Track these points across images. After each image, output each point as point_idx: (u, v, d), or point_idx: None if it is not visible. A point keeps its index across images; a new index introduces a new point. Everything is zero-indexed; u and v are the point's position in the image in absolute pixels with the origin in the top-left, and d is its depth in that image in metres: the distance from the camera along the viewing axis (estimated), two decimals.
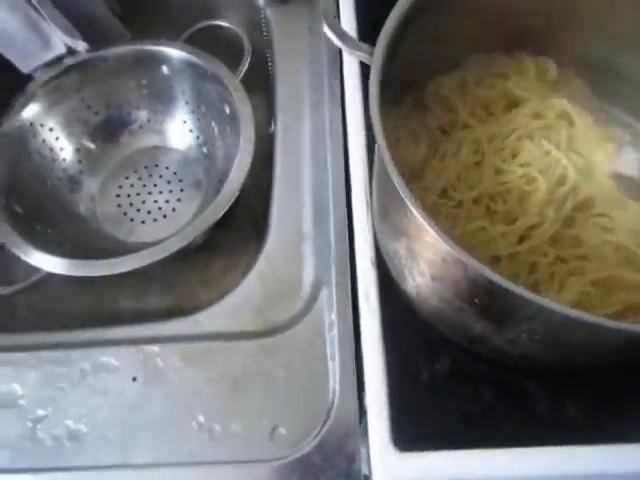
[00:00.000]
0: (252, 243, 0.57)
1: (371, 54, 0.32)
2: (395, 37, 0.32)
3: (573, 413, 0.39)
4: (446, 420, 0.39)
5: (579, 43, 0.44)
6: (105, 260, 0.45)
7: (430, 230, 0.28)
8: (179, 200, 0.57)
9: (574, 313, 0.25)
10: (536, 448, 0.36)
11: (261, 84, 0.57)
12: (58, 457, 0.37)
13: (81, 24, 0.54)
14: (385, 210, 0.37)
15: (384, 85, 0.32)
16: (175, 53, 0.54)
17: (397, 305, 0.41)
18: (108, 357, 0.40)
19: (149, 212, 0.56)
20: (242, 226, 0.59)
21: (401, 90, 0.41)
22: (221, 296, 0.44)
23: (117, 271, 0.45)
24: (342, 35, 0.34)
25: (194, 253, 0.55)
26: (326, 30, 0.34)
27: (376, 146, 0.30)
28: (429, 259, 0.32)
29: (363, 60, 0.33)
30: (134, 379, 0.39)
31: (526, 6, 0.42)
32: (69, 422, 0.38)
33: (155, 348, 0.40)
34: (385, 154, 0.29)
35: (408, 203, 0.28)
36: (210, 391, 0.39)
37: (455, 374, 0.40)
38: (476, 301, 0.31)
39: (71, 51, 0.53)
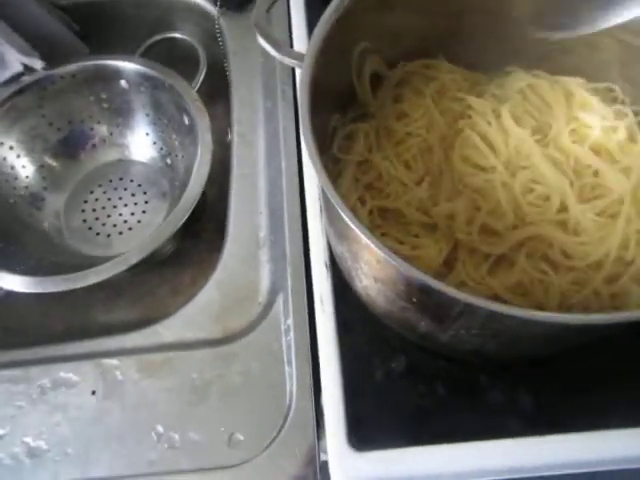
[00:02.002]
0: (220, 252, 0.57)
1: (302, 60, 0.32)
2: (325, 44, 0.33)
3: (527, 405, 0.39)
4: (402, 418, 0.39)
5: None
6: (65, 275, 0.46)
7: (356, 231, 0.28)
8: (144, 212, 0.57)
9: (495, 306, 0.26)
10: (490, 441, 0.37)
11: (220, 93, 0.57)
12: (18, 475, 0.37)
13: (38, 42, 0.54)
14: (329, 214, 0.38)
15: (316, 91, 0.32)
16: (132, 67, 0.54)
17: (352, 307, 0.41)
18: (67, 372, 0.41)
19: (115, 225, 0.56)
20: (210, 235, 0.59)
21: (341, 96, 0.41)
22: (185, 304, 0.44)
23: (78, 286, 0.45)
24: (275, 43, 0.34)
25: (164, 264, 0.56)
26: (259, 39, 0.34)
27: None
28: (367, 260, 0.33)
29: (295, 67, 0.33)
30: (93, 393, 0.40)
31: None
32: (28, 439, 0.38)
33: (114, 361, 0.41)
34: (313, 157, 0.30)
35: (334, 203, 0.29)
36: (169, 401, 0.39)
37: (411, 372, 0.40)
38: (414, 300, 0.32)
39: (28, 69, 0.53)
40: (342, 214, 0.29)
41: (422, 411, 0.39)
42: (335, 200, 0.29)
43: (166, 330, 0.43)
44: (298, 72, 0.48)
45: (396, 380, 0.40)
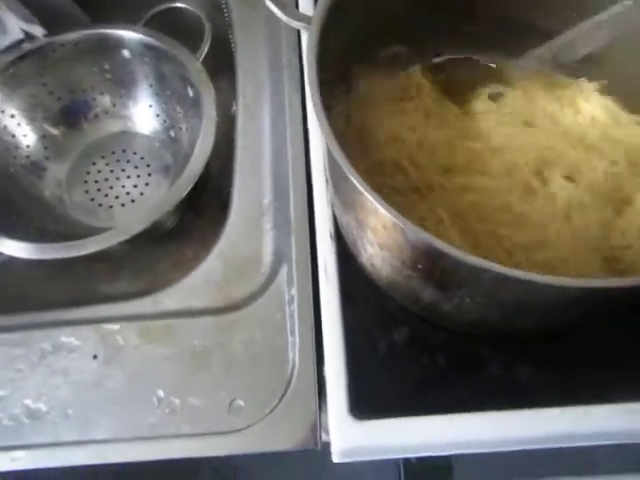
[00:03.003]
0: (223, 226, 0.57)
1: (309, 23, 0.32)
2: (334, 4, 0.32)
3: (526, 378, 0.39)
4: (403, 388, 0.39)
5: None
6: (65, 243, 0.45)
7: (364, 193, 0.28)
8: (147, 185, 0.57)
9: (501, 269, 0.26)
10: (490, 412, 0.37)
11: (225, 65, 0.56)
12: (17, 435, 0.37)
13: (39, 9, 0.53)
14: (335, 182, 0.37)
15: (324, 56, 0.32)
16: (135, 37, 0.54)
17: (356, 277, 0.41)
18: (68, 337, 0.40)
19: (117, 197, 0.56)
20: (213, 209, 0.59)
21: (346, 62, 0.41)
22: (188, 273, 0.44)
23: (77, 254, 0.45)
24: (282, 5, 0.34)
25: (167, 238, 0.55)
26: (267, 1, 0.34)
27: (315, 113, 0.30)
28: (373, 227, 0.32)
29: (302, 29, 0.33)
30: (94, 357, 0.40)
31: None
32: (28, 401, 0.38)
33: (115, 326, 0.41)
34: (321, 119, 0.30)
35: (342, 167, 0.28)
36: (169, 367, 0.39)
37: (412, 344, 0.40)
38: (419, 267, 0.32)
39: (29, 36, 0.53)
40: (349, 176, 0.28)
41: (423, 382, 0.39)
42: (342, 162, 0.29)
43: (168, 298, 0.42)
44: (304, 40, 0.48)
45: (398, 351, 0.40)
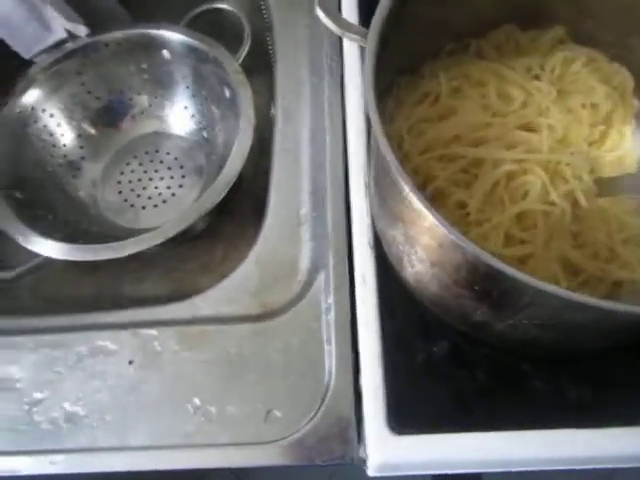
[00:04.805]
0: (254, 229, 0.57)
1: (365, 36, 0.31)
2: (389, 20, 0.32)
3: (572, 396, 0.38)
4: (442, 403, 0.38)
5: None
6: (104, 244, 0.45)
7: (427, 214, 0.27)
8: (180, 186, 0.57)
9: (575, 296, 0.25)
10: (532, 431, 0.36)
11: (263, 67, 0.56)
12: (55, 439, 0.37)
13: (82, 8, 0.53)
14: (382, 196, 0.36)
15: (379, 69, 0.31)
16: (175, 37, 0.54)
17: (394, 288, 0.40)
18: (105, 341, 0.40)
19: (150, 198, 0.56)
20: (244, 212, 0.59)
21: (397, 72, 0.40)
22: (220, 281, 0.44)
23: (116, 256, 0.45)
24: (335, 18, 0.33)
25: (196, 239, 0.55)
26: (319, 13, 0.33)
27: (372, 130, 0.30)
28: (427, 245, 0.32)
29: (358, 43, 0.32)
30: (130, 362, 0.39)
31: None
32: (66, 405, 0.38)
33: (152, 332, 0.40)
34: (380, 138, 0.29)
35: (404, 186, 0.27)
36: (206, 374, 0.39)
37: (452, 357, 0.39)
38: (476, 288, 0.31)
39: (72, 36, 0.53)
40: (407, 192, 0.27)
41: (461, 397, 0.39)
42: (403, 179, 0.28)
43: (203, 303, 0.42)
44: (346, 45, 0.48)
45: (437, 365, 0.39)
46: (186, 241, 0.55)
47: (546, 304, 0.27)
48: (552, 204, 0.37)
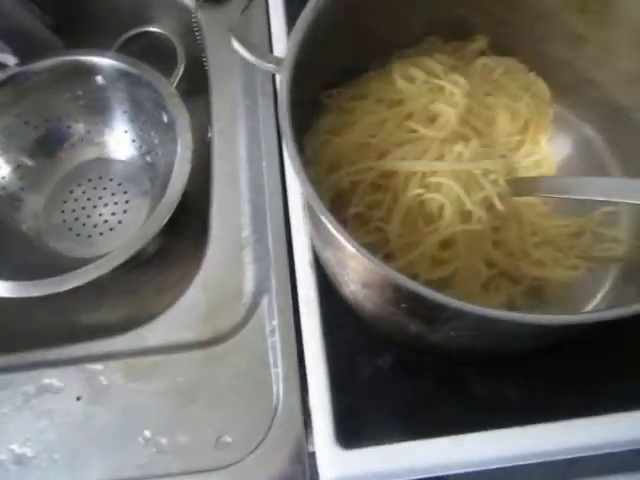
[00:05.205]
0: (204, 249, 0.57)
1: (280, 64, 0.32)
2: (304, 47, 0.32)
3: (511, 397, 0.40)
4: (390, 414, 0.39)
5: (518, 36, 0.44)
6: (49, 279, 0.45)
7: (345, 243, 0.28)
8: (125, 212, 0.56)
9: (485, 311, 0.26)
10: (476, 433, 0.38)
11: (199, 88, 0.56)
12: None
13: (9, 36, 0.53)
14: (314, 221, 0.37)
15: (297, 95, 0.32)
16: (108, 62, 0.53)
17: (337, 306, 0.41)
18: (51, 378, 0.40)
19: (95, 226, 0.56)
20: (194, 232, 0.59)
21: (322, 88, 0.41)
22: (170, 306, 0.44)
23: (60, 289, 0.45)
24: (250, 47, 0.34)
25: (149, 263, 0.55)
26: (233, 42, 0.34)
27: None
28: (354, 268, 0.33)
29: (274, 72, 0.33)
30: (78, 399, 0.39)
31: None
32: (14, 447, 0.38)
33: (99, 366, 0.41)
34: (296, 166, 0.30)
35: (320, 216, 0.28)
36: (155, 405, 0.39)
37: (397, 369, 0.40)
38: (403, 305, 0.32)
39: (1, 65, 0.52)
40: (326, 224, 0.28)
41: (409, 406, 0.40)
42: (319, 209, 0.29)
43: (151, 333, 0.42)
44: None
45: (382, 377, 0.40)
46: (139, 265, 0.55)
47: (466, 318, 0.29)
48: (469, 213, 0.37)
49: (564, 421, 0.38)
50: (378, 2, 0.38)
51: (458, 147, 0.37)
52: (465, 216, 0.37)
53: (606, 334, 0.35)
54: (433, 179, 0.37)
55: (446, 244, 0.37)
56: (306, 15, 0.32)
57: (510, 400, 0.40)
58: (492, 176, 0.37)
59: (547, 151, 0.43)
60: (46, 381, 0.40)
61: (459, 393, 0.40)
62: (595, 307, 0.41)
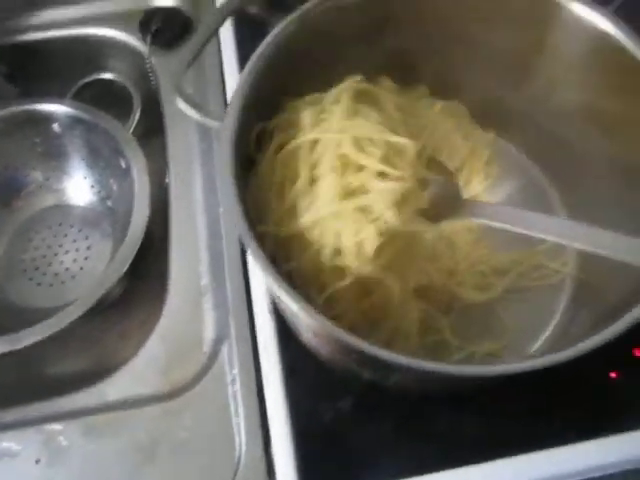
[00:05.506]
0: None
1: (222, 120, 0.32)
2: (248, 101, 0.33)
3: (472, 431, 0.40)
4: (353, 459, 0.39)
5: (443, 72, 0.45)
6: (7, 336, 0.45)
7: (288, 301, 0.29)
8: (87, 258, 0.56)
9: (427, 365, 0.27)
10: (440, 472, 0.38)
11: (157, 132, 0.56)
12: None
13: None
14: None
15: (241, 148, 0.33)
16: (63, 110, 0.53)
17: (297, 351, 0.41)
18: (9, 442, 0.39)
19: (57, 274, 0.55)
20: (156, 275, 0.58)
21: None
22: (134, 355, 0.44)
23: (19, 346, 0.44)
24: (194, 104, 0.34)
25: (113, 308, 0.54)
26: (177, 100, 0.34)
27: None
28: (303, 319, 0.33)
29: (216, 127, 0.33)
30: (37, 462, 0.39)
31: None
32: None
33: (58, 426, 0.40)
34: (240, 226, 0.30)
35: (264, 274, 0.29)
36: (115, 463, 0.39)
37: (358, 411, 0.40)
38: (353, 356, 0.32)
39: None
40: (266, 278, 0.29)
41: (372, 449, 0.40)
42: (261, 266, 0.29)
43: (111, 388, 0.42)
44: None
45: (344, 420, 0.40)
46: (103, 311, 0.54)
47: (408, 371, 0.29)
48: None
49: (523, 455, 0.38)
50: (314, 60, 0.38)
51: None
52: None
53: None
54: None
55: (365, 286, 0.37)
56: (246, 77, 0.33)
57: (470, 435, 0.40)
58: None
59: (478, 191, 0.44)
60: (4, 445, 0.39)
61: (420, 431, 0.40)
62: (549, 335, 0.42)
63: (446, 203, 0.38)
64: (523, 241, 0.41)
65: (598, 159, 0.41)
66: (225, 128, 0.32)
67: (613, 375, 0.41)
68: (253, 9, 0.37)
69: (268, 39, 0.34)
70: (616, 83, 0.37)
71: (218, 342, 0.43)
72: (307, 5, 0.35)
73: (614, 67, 0.36)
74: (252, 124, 0.35)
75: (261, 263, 0.29)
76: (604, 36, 0.35)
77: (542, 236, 0.34)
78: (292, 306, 0.28)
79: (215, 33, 0.38)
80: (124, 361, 0.43)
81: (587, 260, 0.43)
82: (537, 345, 0.41)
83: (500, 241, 0.43)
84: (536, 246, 0.43)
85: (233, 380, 0.41)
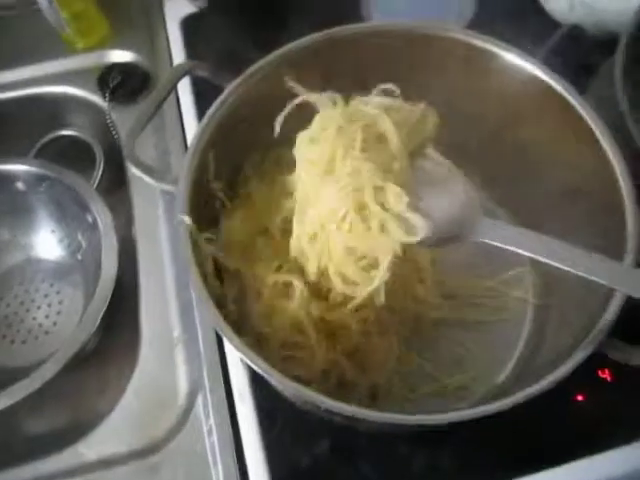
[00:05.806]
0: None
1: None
2: (200, 167, 0.34)
3: (447, 463, 0.41)
4: None
5: None
6: None
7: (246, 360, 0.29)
8: (59, 313, 0.56)
9: (363, 414, 0.29)
10: None
11: (121, 184, 0.56)
12: None
13: None
14: None
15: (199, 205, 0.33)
16: (26, 169, 0.53)
17: (272, 398, 0.42)
18: None
19: (29, 331, 0.55)
20: (129, 325, 0.58)
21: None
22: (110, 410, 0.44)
23: None
24: (147, 169, 0.35)
25: (88, 361, 0.54)
26: (129, 166, 0.35)
27: None
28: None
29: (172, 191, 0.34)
30: None
31: None
32: None
33: None
34: (197, 286, 0.31)
35: (224, 337, 0.29)
36: None
37: (334, 454, 0.41)
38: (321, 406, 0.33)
39: None
40: (230, 344, 0.29)
41: None
42: (225, 334, 0.30)
43: (88, 448, 0.42)
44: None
45: (321, 465, 0.41)
46: (78, 365, 0.54)
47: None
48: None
49: None
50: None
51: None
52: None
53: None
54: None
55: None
56: (199, 139, 0.34)
57: (446, 468, 0.41)
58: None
59: None
60: None
61: (397, 470, 0.41)
62: (515, 365, 0.43)
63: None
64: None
65: (538, 184, 0.43)
66: (179, 192, 0.33)
67: (580, 398, 0.42)
68: (203, 73, 0.38)
69: (217, 101, 0.35)
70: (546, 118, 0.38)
71: (193, 394, 0.43)
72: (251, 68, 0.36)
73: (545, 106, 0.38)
74: (207, 183, 0.36)
75: (220, 328, 0.30)
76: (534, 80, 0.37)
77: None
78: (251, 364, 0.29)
79: (169, 95, 0.39)
80: (100, 417, 0.43)
81: (547, 287, 0.44)
82: (504, 375, 0.42)
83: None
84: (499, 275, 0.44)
85: (210, 431, 0.41)
